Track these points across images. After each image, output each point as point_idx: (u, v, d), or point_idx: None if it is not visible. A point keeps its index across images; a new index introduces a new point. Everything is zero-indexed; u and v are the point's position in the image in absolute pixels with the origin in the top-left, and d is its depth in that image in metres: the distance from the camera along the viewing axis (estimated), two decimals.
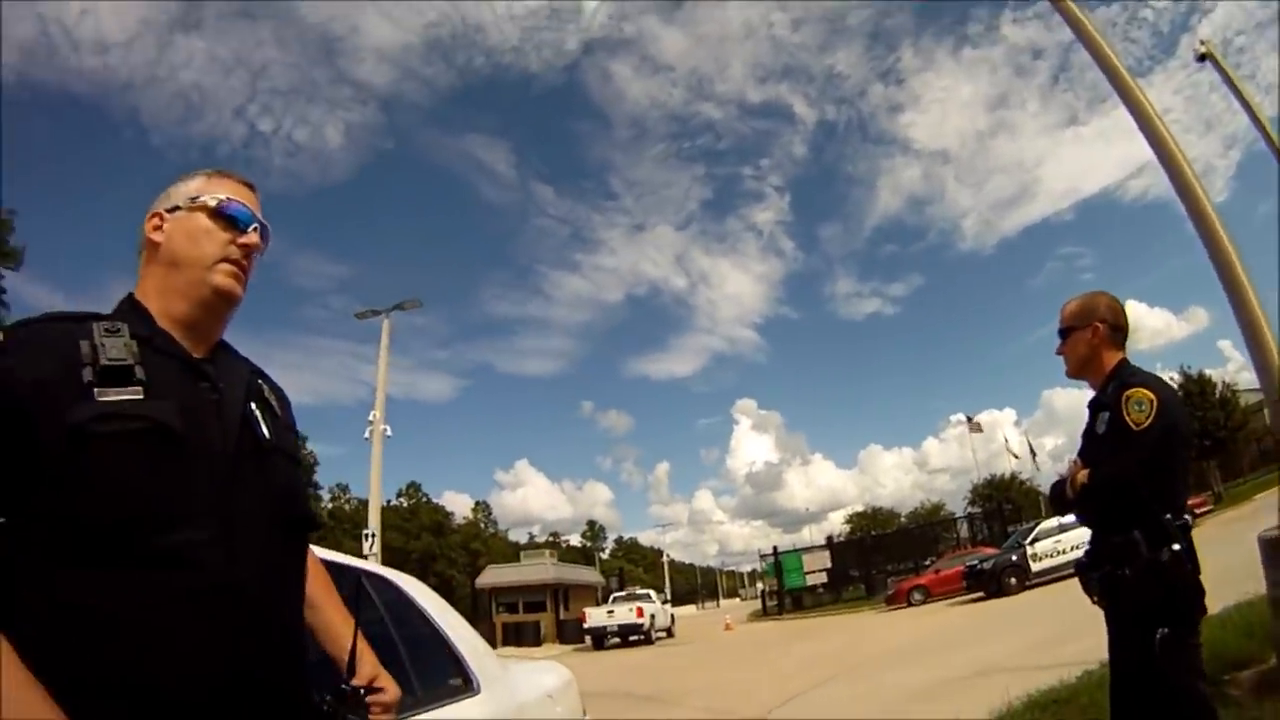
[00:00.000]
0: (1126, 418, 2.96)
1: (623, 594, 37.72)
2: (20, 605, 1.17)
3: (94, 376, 1.27)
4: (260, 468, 1.42)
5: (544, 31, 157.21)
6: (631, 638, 32.14)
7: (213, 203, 1.54)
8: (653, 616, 33.33)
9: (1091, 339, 3.23)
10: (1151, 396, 2.96)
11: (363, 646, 1.64)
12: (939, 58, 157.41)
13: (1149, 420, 2.92)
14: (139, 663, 1.17)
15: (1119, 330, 3.24)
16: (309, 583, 1.58)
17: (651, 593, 38.89)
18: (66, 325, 1.34)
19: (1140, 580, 2.91)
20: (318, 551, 1.92)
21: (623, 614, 32.76)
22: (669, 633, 36.14)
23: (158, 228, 1.54)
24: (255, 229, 1.56)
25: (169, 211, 1.54)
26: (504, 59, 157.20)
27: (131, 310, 1.46)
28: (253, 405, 1.49)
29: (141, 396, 1.29)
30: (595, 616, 33.58)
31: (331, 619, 1.68)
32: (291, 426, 1.65)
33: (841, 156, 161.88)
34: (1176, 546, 2.86)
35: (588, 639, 33.59)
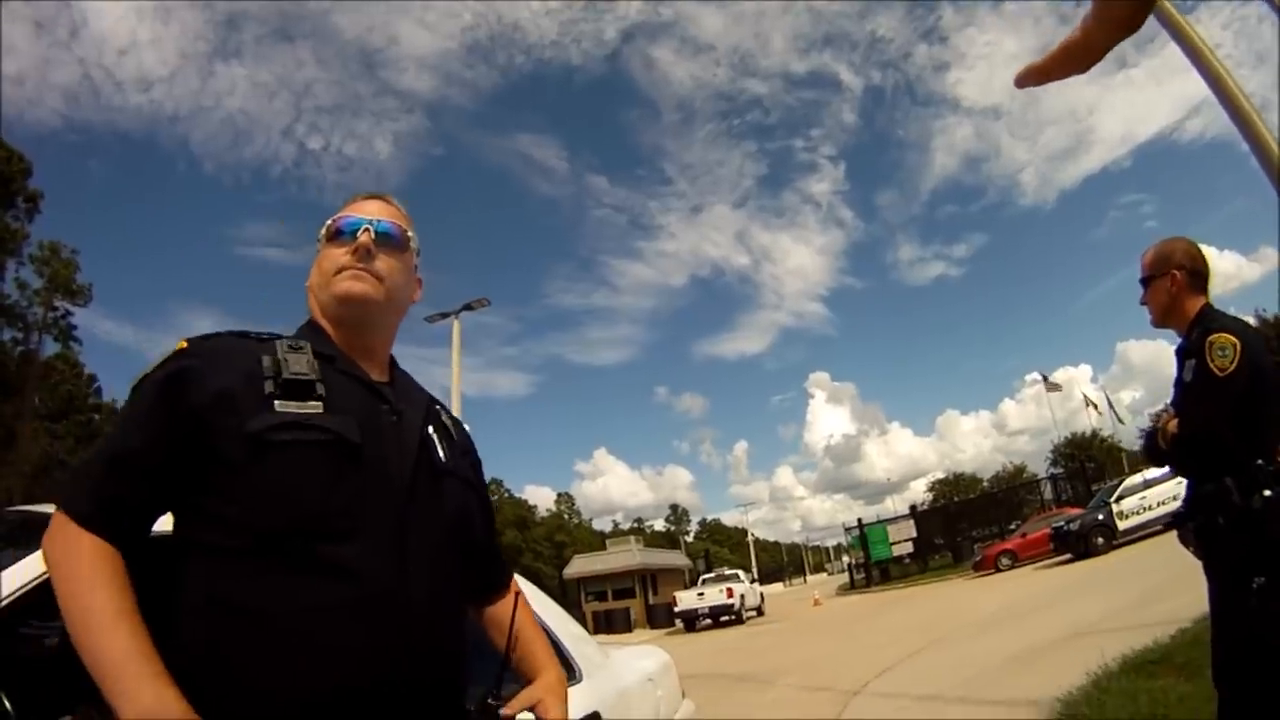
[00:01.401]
0: (1211, 364, 2.91)
1: (711, 575, 37.65)
2: (186, 606, 1.25)
3: (275, 389, 1.34)
4: (435, 491, 1.46)
5: (581, 23, 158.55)
6: (723, 618, 32.33)
7: (324, 231, 1.59)
8: (742, 596, 33.49)
9: (1170, 287, 3.19)
10: (1235, 341, 2.91)
11: (543, 670, 1.68)
12: (980, 13, 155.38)
13: (1234, 366, 2.87)
14: (298, 669, 1.20)
15: (1198, 275, 3.19)
16: (522, 622, 1.67)
17: (740, 572, 38.81)
18: (250, 341, 1.42)
19: (1234, 528, 2.87)
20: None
21: (713, 595, 32.99)
22: (759, 611, 36.48)
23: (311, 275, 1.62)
24: (366, 229, 1.55)
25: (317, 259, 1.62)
26: (544, 54, 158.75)
27: (313, 333, 1.53)
28: (430, 430, 1.54)
29: (321, 410, 1.35)
30: (686, 599, 33.89)
31: (530, 653, 1.71)
32: (470, 454, 1.70)
33: (892, 121, 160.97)
34: (1269, 493, 2.80)
35: (679, 622, 33.87)
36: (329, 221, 1.59)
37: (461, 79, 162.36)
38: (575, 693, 3.17)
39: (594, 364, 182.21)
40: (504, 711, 1.49)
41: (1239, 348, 2.89)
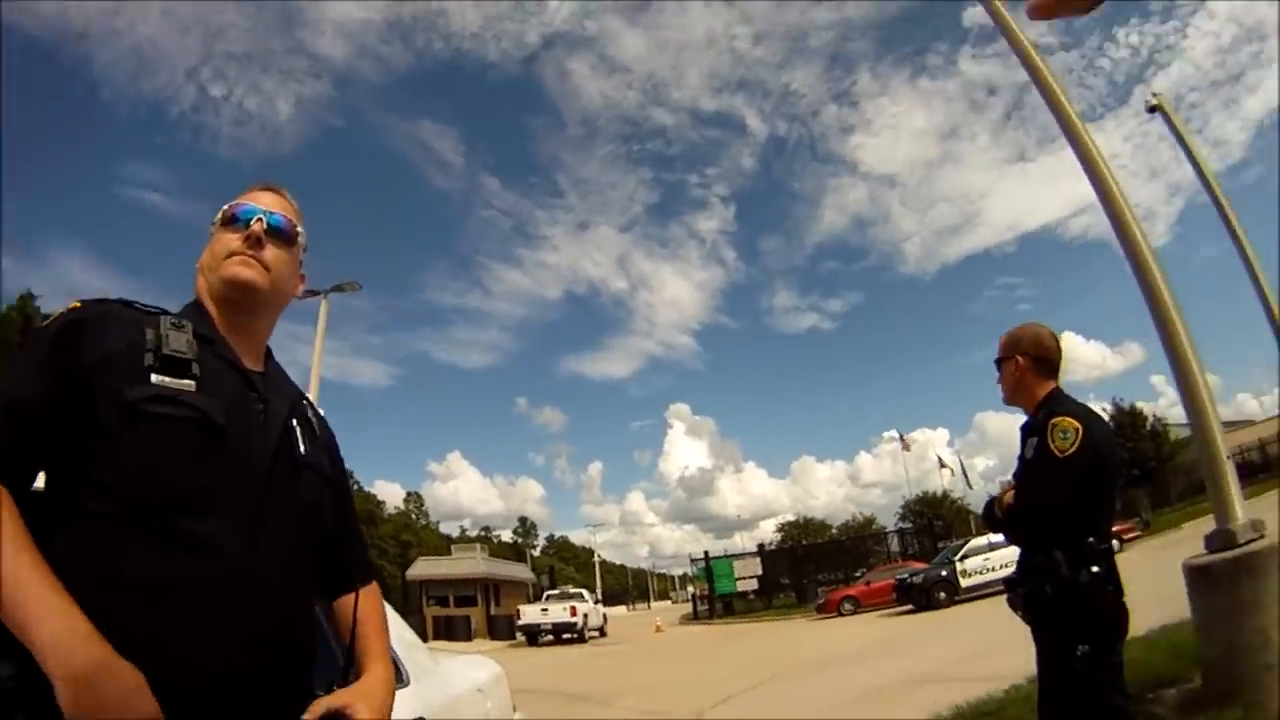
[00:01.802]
0: (1051, 445, 3.05)
1: (556, 592, 38.09)
2: (53, 566, 1.21)
3: (154, 362, 1.37)
4: (293, 481, 1.49)
5: (507, 21, 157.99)
6: (565, 635, 32.57)
7: (219, 216, 1.64)
8: (586, 615, 33.79)
9: (1015, 370, 3.37)
10: (1077, 425, 3.05)
11: (367, 670, 1.64)
12: (895, 85, 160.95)
13: (1073, 448, 3.01)
14: (160, 637, 1.22)
15: (1043, 361, 3.34)
16: (365, 618, 1.69)
17: (585, 592, 39.52)
18: (136, 312, 1.46)
19: (1060, 599, 3.01)
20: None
21: (557, 612, 33.24)
22: (602, 632, 36.48)
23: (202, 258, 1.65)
24: (259, 219, 1.61)
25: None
26: (463, 45, 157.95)
27: (197, 314, 1.56)
28: (294, 422, 1.57)
29: (194, 389, 1.38)
30: (530, 614, 33.99)
31: (363, 650, 1.69)
32: (331, 451, 1.72)
33: (789, 172, 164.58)
34: (1096, 569, 2.97)
35: (520, 635, 33.90)
36: (225, 207, 1.65)
37: (376, 53, 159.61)
38: (401, 697, 2.98)
39: (459, 365, 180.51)
40: (305, 716, 1.44)
41: (1080, 432, 3.04)
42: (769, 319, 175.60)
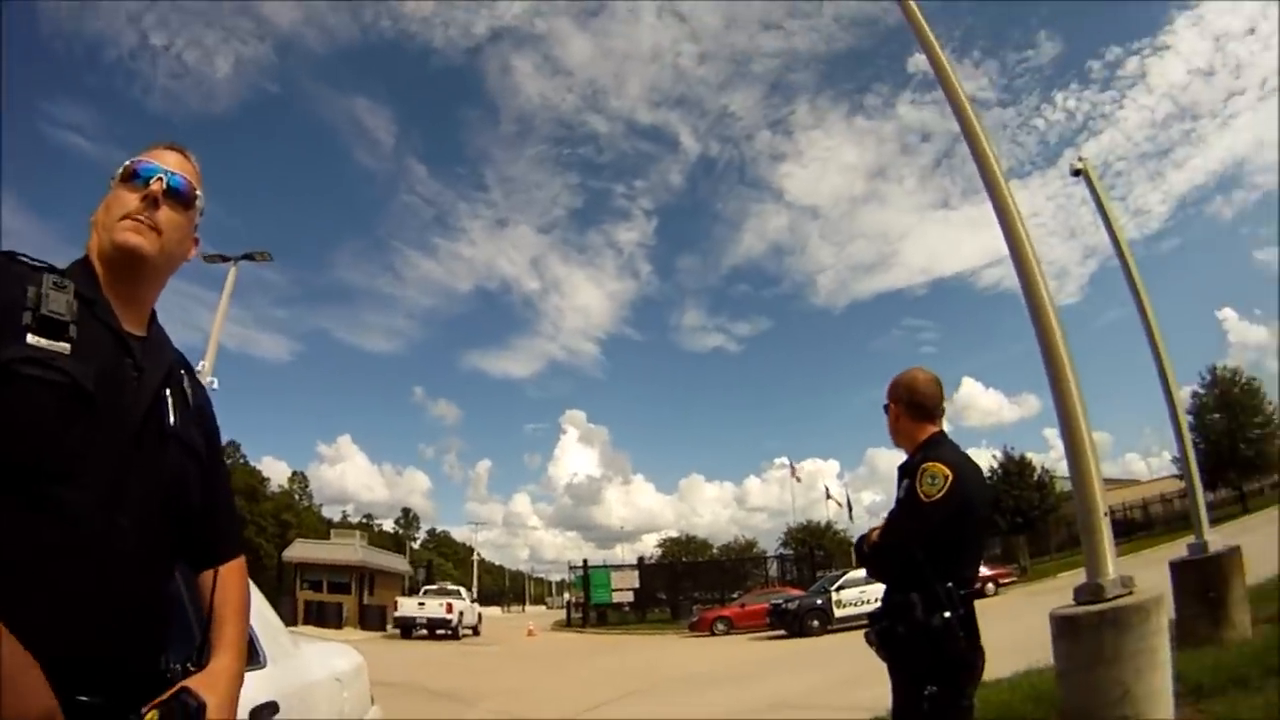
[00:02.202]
0: (919, 489, 3.09)
1: (434, 588, 38.41)
2: None
3: (31, 321, 1.33)
4: (159, 451, 1.46)
5: (457, 9, 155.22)
6: (439, 631, 32.73)
7: (121, 170, 1.59)
8: (461, 613, 33.88)
9: (893, 415, 3.45)
10: (947, 472, 3.08)
11: (216, 655, 1.59)
12: (831, 119, 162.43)
13: (939, 494, 3.05)
14: (17, 606, 1.16)
15: (916, 407, 3.39)
16: (224, 599, 1.66)
17: (462, 590, 39.75)
18: (21, 268, 1.41)
19: (913, 639, 3.04)
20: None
21: (433, 607, 33.38)
22: (476, 630, 36.40)
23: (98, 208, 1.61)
24: (159, 179, 1.57)
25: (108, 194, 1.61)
26: (410, 27, 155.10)
27: (84, 272, 1.52)
28: (167, 392, 1.53)
29: (68, 351, 1.35)
30: (406, 606, 34.23)
31: (217, 634, 1.64)
32: (204, 424, 1.67)
33: (715, 193, 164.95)
34: (948, 614, 2.98)
35: (391, 627, 34.27)
36: (126, 163, 1.61)
37: (323, 23, 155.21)
38: (255, 678, 2.90)
39: (361, 347, 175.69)
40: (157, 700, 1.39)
41: (949, 479, 3.07)
42: (675, 335, 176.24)
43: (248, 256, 22.78)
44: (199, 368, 21.39)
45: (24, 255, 1.46)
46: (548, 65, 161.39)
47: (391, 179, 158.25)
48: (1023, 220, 6.37)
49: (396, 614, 34.37)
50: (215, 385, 21.33)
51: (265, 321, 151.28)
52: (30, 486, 1.25)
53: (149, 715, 1.33)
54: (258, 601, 3.35)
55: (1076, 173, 11.03)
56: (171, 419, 1.51)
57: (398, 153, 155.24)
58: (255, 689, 2.88)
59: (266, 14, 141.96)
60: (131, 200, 1.55)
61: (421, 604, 33.99)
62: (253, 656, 3.05)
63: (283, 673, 3.17)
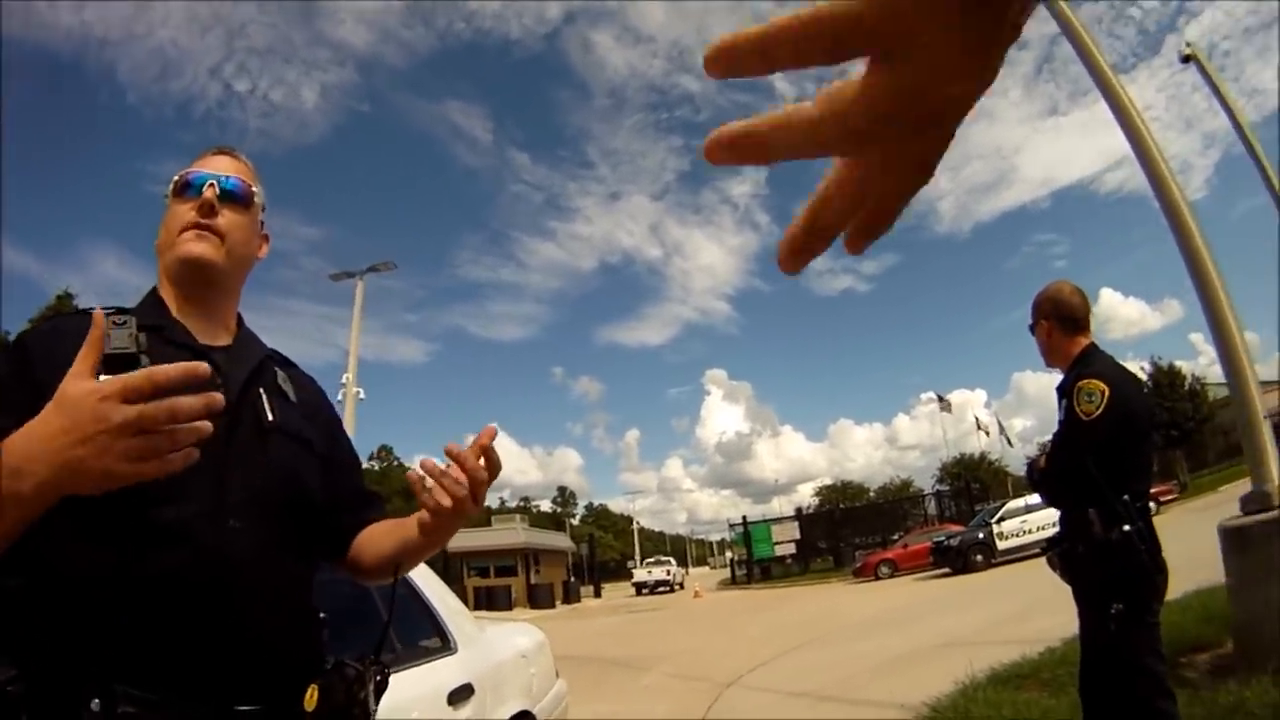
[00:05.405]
0: (1077, 408, 3.07)
1: (653, 560, 58.05)
2: (19, 580, 1.21)
3: (99, 365, 1.25)
4: (260, 447, 1.46)
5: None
6: (660, 589, 46.28)
7: (171, 185, 1.57)
8: (673, 574, 49.10)
9: (1043, 333, 3.39)
10: (1102, 387, 3.05)
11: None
12: None
13: (1099, 410, 3.01)
14: (133, 632, 1.20)
15: (1066, 320, 3.34)
16: (380, 531, 1.65)
17: (671, 560, 58.32)
18: (81, 319, 1.31)
19: (1094, 557, 3.03)
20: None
21: (658, 573, 49.00)
22: (682, 585, 49.05)
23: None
24: (211, 185, 1.55)
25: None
26: (485, 24, 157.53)
27: (151, 302, 1.52)
28: (261, 391, 1.52)
29: None
30: (640, 574, 50.58)
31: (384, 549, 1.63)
32: (312, 412, 1.68)
33: None
34: (1128, 527, 2.94)
35: (633, 589, 48.74)
36: (175, 177, 1.58)
37: (399, 37, 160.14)
38: (448, 664, 3.16)
39: (494, 339, 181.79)
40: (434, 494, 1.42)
41: (1106, 393, 3.03)
42: (804, 281, 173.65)
43: (372, 269, 23.56)
44: (342, 381, 22.41)
45: (93, 308, 1.37)
46: (628, 34, 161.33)
47: (496, 172, 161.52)
48: (1141, 115, 6.12)
49: (634, 580, 50.12)
50: (362, 395, 22.15)
51: (399, 328, 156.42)
52: (135, 516, 1.25)
53: (310, 691, 1.38)
54: (440, 588, 3.59)
55: (1186, 59, 10.45)
56: (270, 415, 1.51)
57: (498, 146, 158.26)
58: (450, 674, 3.07)
59: (341, 39, 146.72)
60: (188, 212, 1.54)
61: (650, 571, 49.84)
62: (444, 643, 3.28)
63: (473, 656, 3.31)
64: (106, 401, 1.03)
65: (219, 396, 1.10)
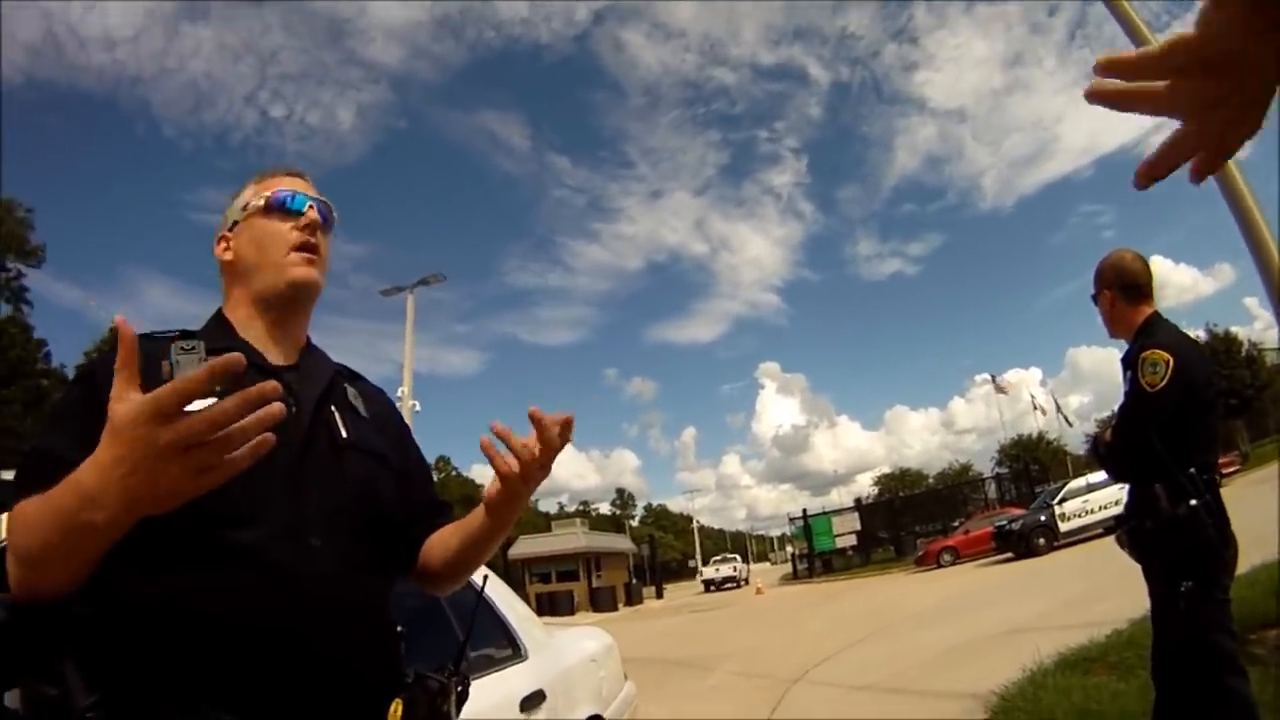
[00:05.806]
0: (1141, 380, 3.02)
1: (719, 558, 60.34)
2: (99, 607, 1.22)
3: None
4: (335, 463, 1.46)
5: (553, 2, 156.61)
6: (726, 585, 49.95)
7: (261, 201, 1.57)
8: (739, 570, 53.27)
9: (1106, 304, 3.35)
10: (1166, 357, 3.00)
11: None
12: (952, 15, 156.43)
13: (1163, 381, 2.97)
14: (215, 654, 1.21)
15: (1130, 289, 3.29)
16: (446, 532, 1.64)
17: (737, 557, 61.52)
18: (148, 347, 1.27)
19: (1161, 533, 2.98)
20: None
21: (726, 569, 53.07)
22: (746, 580, 51.82)
23: (226, 249, 1.59)
24: (311, 206, 1.57)
25: (230, 230, 1.59)
26: (514, 31, 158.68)
27: (217, 326, 1.54)
28: (333, 408, 1.52)
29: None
30: (708, 572, 54.47)
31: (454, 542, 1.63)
32: (390, 425, 1.69)
33: (857, 117, 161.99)
34: (1195, 501, 2.90)
35: (702, 586, 52.40)
36: (266, 193, 1.58)
37: (430, 52, 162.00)
38: (519, 671, 3.22)
39: (545, 344, 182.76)
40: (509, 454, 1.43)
41: (1170, 364, 2.99)
42: (852, 268, 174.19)
43: (422, 282, 23.90)
44: (398, 395, 22.56)
45: (156, 331, 1.45)
46: (658, 32, 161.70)
47: (537, 178, 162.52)
48: None
49: (703, 578, 54.27)
50: (418, 408, 22.44)
51: (450, 339, 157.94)
52: (212, 539, 1.26)
53: (394, 706, 1.38)
54: (508, 595, 3.65)
55: None
56: (344, 431, 1.50)
57: (537, 152, 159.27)
58: (521, 681, 3.12)
59: (372, 58, 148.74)
60: (291, 232, 1.54)
61: (718, 569, 53.40)
62: (514, 650, 3.34)
63: (543, 662, 3.35)
64: (145, 427, 1.02)
65: (279, 405, 1.08)
